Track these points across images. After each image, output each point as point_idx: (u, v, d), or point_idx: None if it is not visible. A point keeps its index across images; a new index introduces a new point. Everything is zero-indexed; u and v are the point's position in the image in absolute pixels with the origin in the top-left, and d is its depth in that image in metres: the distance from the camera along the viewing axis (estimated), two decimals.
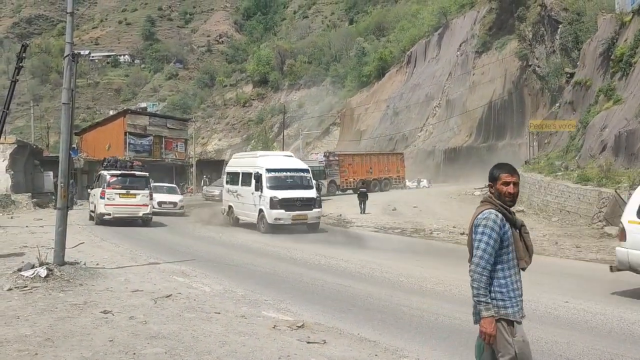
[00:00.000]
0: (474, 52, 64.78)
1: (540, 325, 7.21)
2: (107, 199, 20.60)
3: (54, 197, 29.02)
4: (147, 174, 22.77)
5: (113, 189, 20.80)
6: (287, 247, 15.25)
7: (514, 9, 57.14)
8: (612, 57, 26.34)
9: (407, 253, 14.31)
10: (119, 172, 21.87)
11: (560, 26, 44.77)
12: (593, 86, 28.21)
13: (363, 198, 26.78)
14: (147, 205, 21.19)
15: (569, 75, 35.89)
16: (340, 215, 25.57)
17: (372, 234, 19.36)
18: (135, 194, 21.08)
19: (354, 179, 43.97)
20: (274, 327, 6.82)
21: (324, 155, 44.28)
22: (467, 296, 8.93)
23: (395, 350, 6.15)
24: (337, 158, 45.01)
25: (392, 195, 39.13)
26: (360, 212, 26.15)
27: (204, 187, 45.64)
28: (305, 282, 10.20)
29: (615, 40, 27.03)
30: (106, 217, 20.63)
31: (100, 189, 21.03)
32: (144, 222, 21.19)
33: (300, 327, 6.85)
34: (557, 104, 37.16)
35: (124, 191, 20.99)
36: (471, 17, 69.20)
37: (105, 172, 21.89)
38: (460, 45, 69.03)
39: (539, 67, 49.11)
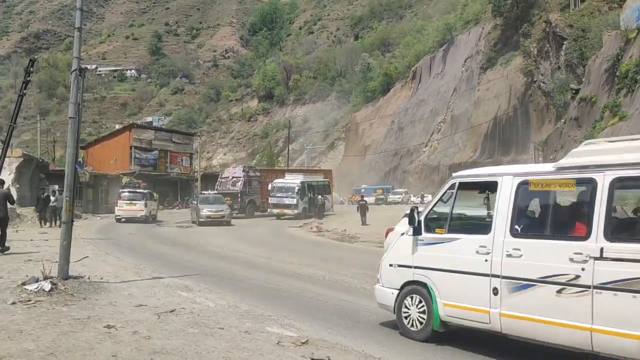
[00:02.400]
0: (479, 68, 64.97)
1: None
2: (119, 206, 31.92)
3: (40, 213, 28.07)
4: (145, 190, 34.51)
5: (123, 200, 31.87)
6: (292, 262, 15.20)
7: (519, 25, 57.37)
8: (617, 74, 26.38)
9: None
10: (127, 189, 34.49)
11: (565, 42, 44.86)
12: (598, 102, 28.22)
13: (363, 210, 29.54)
14: (143, 210, 31.29)
15: (574, 92, 35.91)
16: (345, 230, 25.54)
17: (377, 250, 19.28)
18: (135, 203, 31.50)
19: None
20: (277, 343, 6.78)
21: (243, 170, 38.89)
22: None
23: None
24: (258, 174, 39.86)
25: (396, 210, 39.05)
26: (362, 224, 28.30)
27: (195, 203, 33.52)
28: (310, 298, 10.15)
29: (620, 57, 27.08)
30: (118, 217, 31.51)
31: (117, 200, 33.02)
32: (144, 220, 30.68)
33: (304, 343, 6.81)
34: (563, 120, 37.16)
35: (129, 201, 31.67)
36: (476, 33, 69.52)
37: (121, 190, 35.10)
38: (465, 61, 69.28)
39: (544, 83, 49.14)
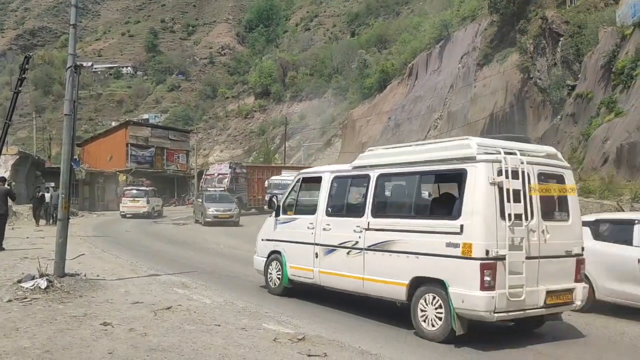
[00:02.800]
0: (475, 65, 64.94)
1: None
2: (123, 203, 34.89)
3: (35, 212, 27.35)
4: (146, 188, 36.44)
5: (127, 197, 34.86)
6: None
7: (515, 22, 57.31)
8: (613, 70, 26.39)
9: None
10: (131, 187, 37.35)
11: (561, 39, 44.85)
12: (594, 99, 28.23)
13: None
14: (145, 207, 34.14)
15: (570, 88, 35.92)
16: None
17: None
18: (138, 200, 34.37)
19: (262, 196, 35.82)
20: (274, 340, 6.77)
21: (230, 167, 36.96)
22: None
23: None
24: (244, 170, 38.19)
25: None
26: None
27: (199, 201, 31.09)
28: (307, 295, 10.15)
29: (616, 53, 27.09)
30: (122, 213, 34.38)
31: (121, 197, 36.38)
32: (147, 215, 33.87)
33: (301, 339, 6.80)
34: (559, 117, 37.19)
35: (132, 199, 34.50)
36: (472, 30, 69.49)
37: (125, 187, 38.75)
38: (461, 58, 69.24)
39: (540, 79, 49.17)
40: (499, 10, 60.25)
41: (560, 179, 7.83)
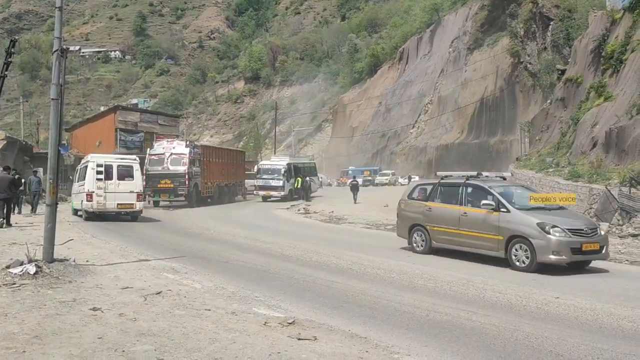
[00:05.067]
0: (465, 49, 64.88)
1: (530, 320, 7.24)
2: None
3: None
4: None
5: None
6: (279, 243, 15.21)
7: (506, 6, 57.27)
8: (603, 54, 26.44)
9: (398, 249, 14.29)
10: None
11: (551, 23, 44.92)
12: (584, 83, 28.31)
13: (355, 190, 33.03)
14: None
15: (560, 72, 35.99)
16: (332, 212, 25.56)
17: (364, 231, 19.36)
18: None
19: (212, 183, 32.64)
20: (264, 324, 6.78)
21: (187, 146, 30.52)
22: (458, 292, 8.96)
23: (387, 347, 6.13)
24: (199, 151, 31.63)
25: (383, 191, 39.13)
26: (354, 202, 31.37)
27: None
28: (297, 279, 10.17)
29: (606, 37, 27.13)
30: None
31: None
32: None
33: (291, 323, 6.82)
34: (549, 101, 37.32)
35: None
36: (463, 14, 69.30)
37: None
38: (452, 42, 69.10)
39: (530, 63, 49.26)
40: None
41: (130, 168, 21.11)
